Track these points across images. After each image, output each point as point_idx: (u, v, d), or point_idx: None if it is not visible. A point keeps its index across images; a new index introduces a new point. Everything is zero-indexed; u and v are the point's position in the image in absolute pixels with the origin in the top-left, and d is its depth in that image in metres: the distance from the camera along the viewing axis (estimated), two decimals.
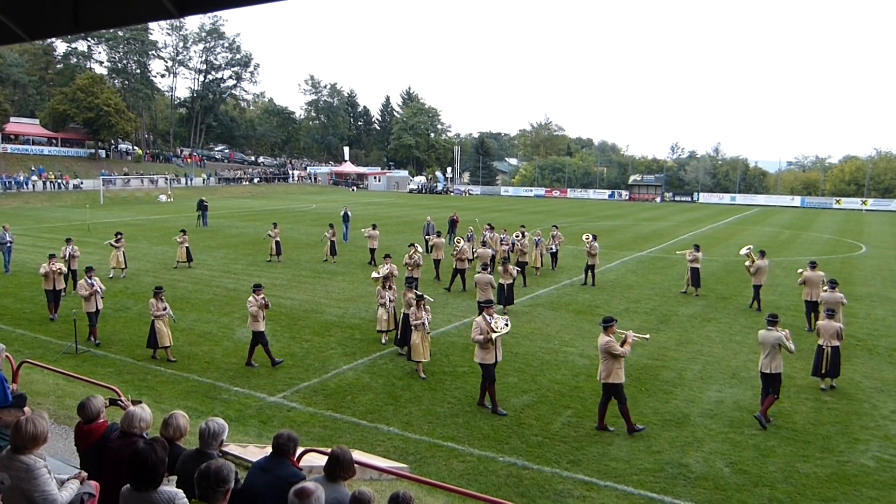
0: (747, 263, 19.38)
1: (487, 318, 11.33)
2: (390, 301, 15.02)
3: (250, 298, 13.64)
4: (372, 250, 26.54)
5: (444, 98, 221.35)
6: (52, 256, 17.37)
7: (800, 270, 17.93)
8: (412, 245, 19.98)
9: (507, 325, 11.49)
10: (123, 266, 22.64)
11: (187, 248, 24.93)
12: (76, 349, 14.03)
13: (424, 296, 14.68)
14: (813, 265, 17.43)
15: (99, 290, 15.03)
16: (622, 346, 10.28)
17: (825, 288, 15.47)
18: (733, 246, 33.81)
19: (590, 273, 22.50)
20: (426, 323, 13.03)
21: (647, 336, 11.84)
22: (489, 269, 17.68)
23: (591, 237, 22.71)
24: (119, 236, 22.80)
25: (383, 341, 15.12)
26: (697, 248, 21.35)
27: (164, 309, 13.73)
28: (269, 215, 47.71)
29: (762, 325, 17.07)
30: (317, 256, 27.60)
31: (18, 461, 4.62)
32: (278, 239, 26.84)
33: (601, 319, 10.81)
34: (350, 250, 29.83)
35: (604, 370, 10.39)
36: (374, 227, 27.22)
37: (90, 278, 15.04)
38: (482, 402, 11.45)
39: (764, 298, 20.12)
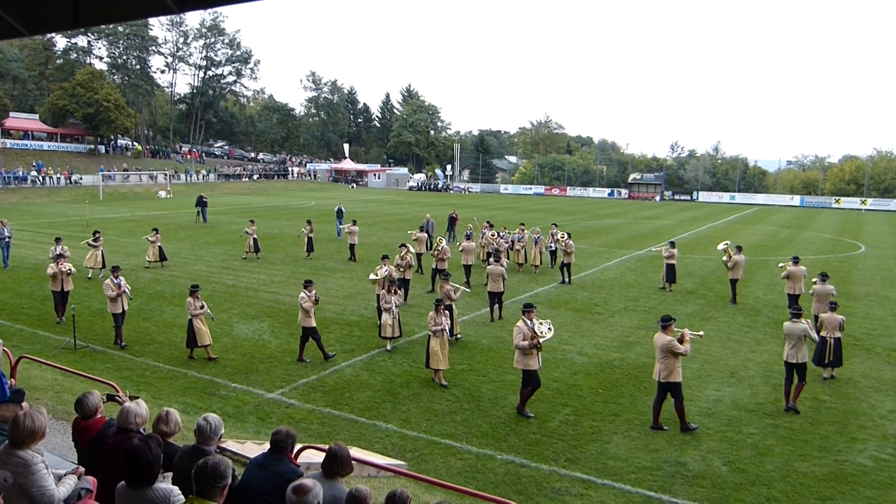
0: (724, 258, 19.94)
1: (529, 322, 10.88)
2: (396, 306, 14.45)
3: (303, 294, 13.51)
4: (352, 246, 26.61)
5: (444, 95, 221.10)
6: (59, 257, 16.69)
7: (781, 265, 18.58)
8: (403, 245, 19.52)
9: (550, 329, 11.01)
10: (101, 266, 21.72)
11: (160, 247, 24.16)
12: (74, 345, 14.01)
13: (460, 287, 15.28)
14: (796, 260, 17.96)
15: (126, 290, 14.48)
16: (681, 343, 10.24)
17: (816, 280, 15.89)
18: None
19: (565, 270, 22.53)
20: (447, 329, 12.58)
21: (701, 333, 11.47)
22: (500, 261, 18.03)
23: (566, 235, 22.91)
24: (97, 235, 22.00)
25: (389, 348, 14.50)
26: (673, 244, 22.02)
27: (202, 307, 13.45)
28: (268, 212, 47.74)
29: (760, 323, 17.35)
30: (315, 254, 27.56)
31: (16, 456, 4.62)
32: (255, 236, 26.64)
33: (660, 318, 10.75)
34: (348, 246, 29.76)
35: (664, 369, 10.31)
36: (355, 223, 27.46)
37: (116, 278, 14.43)
38: (523, 411, 11.06)
39: (763, 297, 20.18)
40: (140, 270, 23.29)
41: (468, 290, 17.07)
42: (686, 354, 10.39)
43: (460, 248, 22.91)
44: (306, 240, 26.94)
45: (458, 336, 15.22)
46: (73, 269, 16.65)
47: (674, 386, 10.35)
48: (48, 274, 16.34)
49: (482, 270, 21.77)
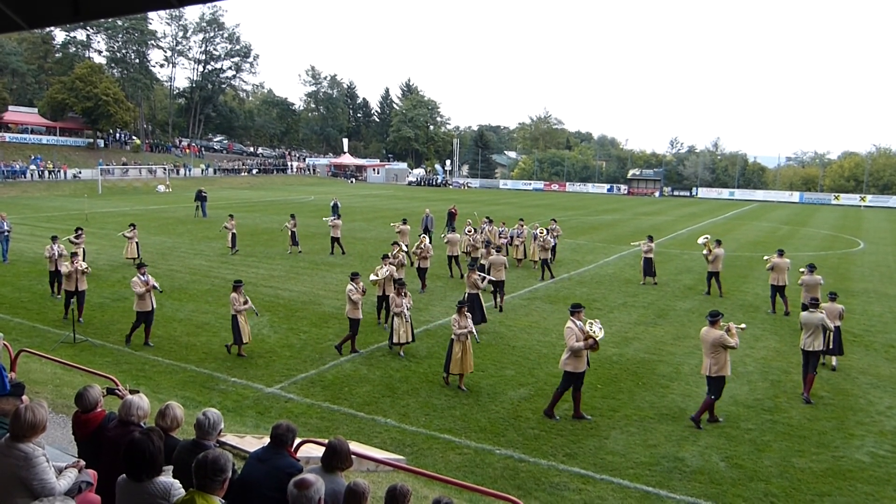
0: (705, 252, 20.40)
1: (578, 322, 10.54)
2: (407, 309, 13.53)
3: (351, 287, 13.51)
4: (335, 239, 26.77)
5: (443, 90, 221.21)
6: (74, 255, 16.21)
7: (766, 258, 19.12)
8: (395, 244, 19.23)
9: (601, 328, 10.56)
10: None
11: (137, 243, 23.37)
12: (74, 338, 14.02)
13: (486, 277, 15.60)
14: (780, 252, 18.55)
15: (155, 285, 14.06)
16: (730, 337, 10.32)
17: (804, 271, 16.29)
18: (731, 241, 33.83)
19: (545, 267, 22.50)
20: (473, 331, 11.99)
21: (744, 325, 11.43)
22: (501, 252, 18.68)
23: (545, 231, 22.98)
24: (79, 232, 21.00)
25: (401, 354, 13.72)
26: (651, 238, 22.28)
27: (246, 303, 13.27)
28: (267, 206, 47.71)
29: (759, 320, 17.38)
30: (314, 248, 27.59)
31: (17, 449, 4.63)
32: (234, 231, 26.41)
33: (708, 314, 10.80)
34: (348, 242, 29.72)
35: (714, 364, 10.37)
36: (339, 216, 28.12)
37: (143, 275, 13.98)
38: (580, 414, 10.75)
39: (761, 293, 20.21)
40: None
41: (490, 278, 17.16)
42: (736, 348, 10.50)
43: (445, 240, 23.19)
44: (290, 234, 26.93)
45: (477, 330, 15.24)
46: (88, 269, 16.30)
47: (719, 380, 10.45)
48: (63, 273, 15.87)
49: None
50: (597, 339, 10.43)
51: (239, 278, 14.79)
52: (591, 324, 10.60)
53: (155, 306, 14.32)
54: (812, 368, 11.80)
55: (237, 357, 13.42)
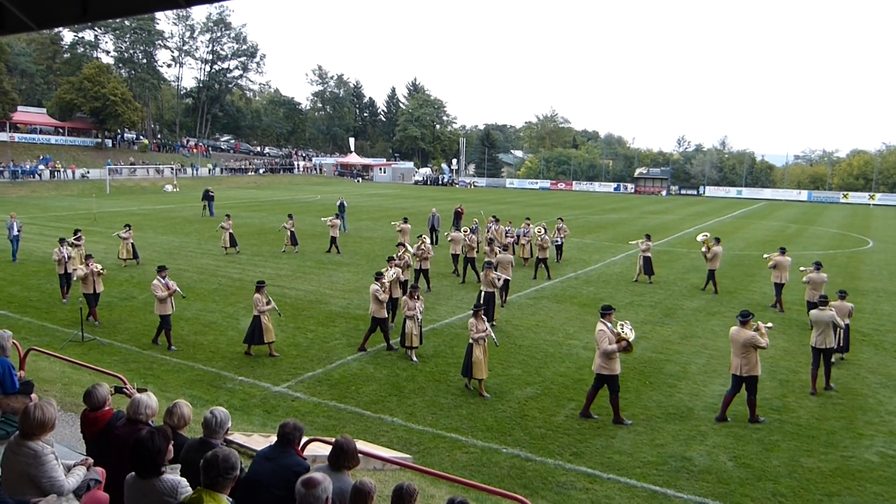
0: (703, 250, 20.64)
1: (608, 324, 10.45)
2: (420, 312, 13.43)
3: (376, 286, 13.64)
4: (333, 238, 26.90)
5: (449, 90, 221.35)
6: (89, 257, 16.03)
7: (766, 256, 19.42)
8: (400, 244, 19.02)
9: (631, 329, 10.46)
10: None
11: (133, 244, 23.24)
12: (82, 337, 14.09)
13: (502, 275, 15.68)
14: (783, 250, 18.67)
15: (177, 289, 13.94)
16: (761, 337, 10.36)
17: (811, 269, 16.43)
18: (739, 240, 33.75)
19: (542, 266, 22.35)
20: (491, 333, 11.83)
21: (770, 325, 11.25)
22: (506, 250, 18.97)
23: (542, 230, 22.99)
24: (79, 234, 20.58)
25: (414, 359, 13.39)
26: (649, 237, 22.47)
27: (268, 303, 13.35)
28: (274, 206, 47.82)
29: (766, 319, 17.21)
30: (321, 248, 27.62)
31: (26, 447, 4.66)
32: (232, 231, 26.29)
33: (738, 314, 10.84)
34: (355, 241, 29.85)
35: (745, 363, 10.41)
36: (337, 216, 28.39)
37: (164, 278, 13.85)
38: (588, 413, 10.70)
39: (769, 292, 20.10)
40: (148, 263, 23.28)
41: (509, 277, 17.36)
42: (766, 348, 10.52)
43: (449, 238, 23.21)
44: (288, 234, 26.93)
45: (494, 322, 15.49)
46: (104, 270, 16.11)
47: (752, 379, 10.50)
48: (79, 276, 15.62)
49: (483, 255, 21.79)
50: (629, 340, 10.38)
51: (262, 279, 14.65)
52: (623, 325, 10.52)
53: (174, 309, 14.17)
54: (827, 363, 11.98)
55: (245, 356, 13.46)
